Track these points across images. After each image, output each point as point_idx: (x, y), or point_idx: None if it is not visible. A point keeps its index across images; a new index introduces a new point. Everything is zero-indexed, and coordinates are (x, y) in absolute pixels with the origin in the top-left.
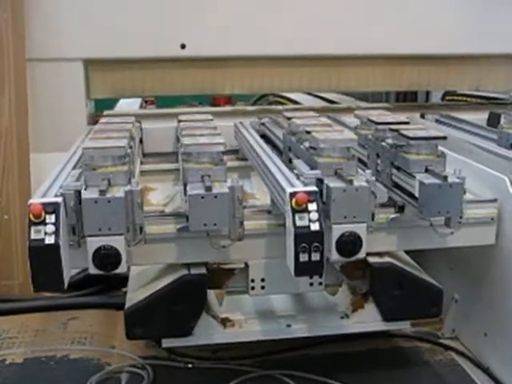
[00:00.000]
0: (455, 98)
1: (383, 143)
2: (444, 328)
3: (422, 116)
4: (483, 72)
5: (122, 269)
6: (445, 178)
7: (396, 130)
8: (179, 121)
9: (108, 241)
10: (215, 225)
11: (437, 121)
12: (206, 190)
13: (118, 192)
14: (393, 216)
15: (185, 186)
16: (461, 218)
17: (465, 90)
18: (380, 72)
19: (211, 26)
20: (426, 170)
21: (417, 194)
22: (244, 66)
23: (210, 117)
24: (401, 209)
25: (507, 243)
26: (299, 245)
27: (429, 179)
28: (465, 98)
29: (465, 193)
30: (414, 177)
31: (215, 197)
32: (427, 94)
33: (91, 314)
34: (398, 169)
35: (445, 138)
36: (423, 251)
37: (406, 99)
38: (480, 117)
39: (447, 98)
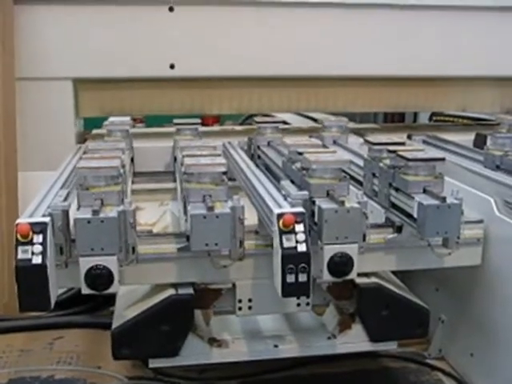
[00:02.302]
0: (442, 118)
1: (381, 164)
2: (431, 348)
3: (409, 137)
4: (469, 94)
5: (114, 289)
6: (443, 199)
7: (394, 151)
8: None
9: (100, 261)
10: (216, 245)
11: (424, 142)
12: (208, 210)
13: (111, 212)
14: (390, 236)
15: (185, 205)
16: (458, 238)
17: (452, 111)
18: (368, 93)
19: (200, 47)
20: (425, 191)
21: (415, 215)
22: (232, 87)
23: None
24: (399, 229)
25: (493, 264)
26: (286, 266)
27: (428, 200)
28: (452, 119)
29: (462, 214)
30: (413, 197)
31: (217, 217)
32: (415, 114)
33: (77, 333)
34: (397, 189)
35: (443, 159)
36: (410, 272)
37: (394, 119)
38: (467, 138)
39: (435, 118)
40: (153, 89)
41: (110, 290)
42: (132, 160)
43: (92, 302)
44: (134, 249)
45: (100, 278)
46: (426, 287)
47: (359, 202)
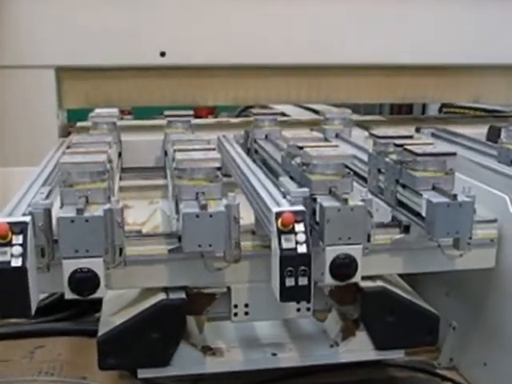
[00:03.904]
0: (453, 110)
1: (387, 159)
2: (441, 357)
3: (418, 130)
4: (482, 84)
5: (100, 293)
6: (454, 196)
7: (401, 145)
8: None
9: (85, 263)
10: (210, 246)
11: (433, 135)
12: (201, 208)
13: (97, 211)
14: (397, 237)
15: (176, 203)
16: (470, 238)
17: (463, 103)
18: (373, 83)
19: (193, 33)
20: (434, 188)
21: (424, 214)
22: (228, 76)
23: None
24: (406, 229)
25: (508, 266)
26: (285, 268)
27: (437, 198)
28: (463, 111)
29: (475, 212)
30: (421, 195)
31: (211, 216)
32: (423, 105)
33: (60, 341)
34: (404, 186)
35: (454, 154)
36: (418, 275)
37: (401, 111)
38: (479, 131)
39: (445, 110)
40: (142, 78)
41: (96, 295)
42: (119, 155)
43: (76, 308)
44: (121, 250)
45: (85, 281)
46: (435, 291)
47: (363, 200)
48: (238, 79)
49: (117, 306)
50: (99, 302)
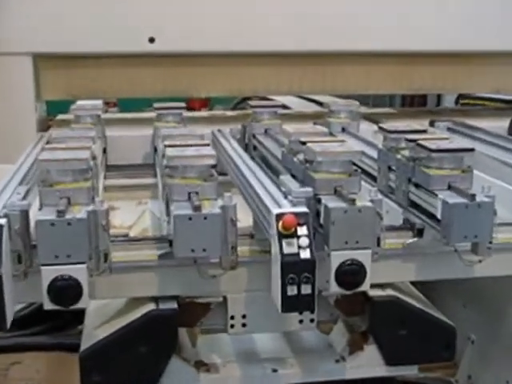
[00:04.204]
0: (471, 101)
1: (398, 156)
2: (458, 374)
3: (432, 123)
4: (504, 73)
5: (83, 303)
6: (472, 196)
7: (414, 141)
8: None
9: (67, 270)
10: (204, 251)
11: (449, 129)
12: (195, 209)
13: (80, 212)
14: (410, 241)
15: (167, 204)
16: (490, 243)
17: (483, 93)
18: (383, 72)
19: (185, 17)
20: (450, 188)
21: (439, 216)
22: (223, 64)
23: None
24: (419, 232)
25: None
26: (287, 275)
27: (454, 198)
28: (482, 102)
29: (495, 214)
30: (436, 195)
31: (205, 218)
32: (439, 96)
33: (38, 357)
34: (417, 185)
35: (472, 149)
36: (433, 283)
37: (414, 103)
38: (500, 124)
39: (462, 101)
40: (129, 67)
41: (79, 305)
42: (104, 151)
43: (56, 320)
44: (106, 256)
45: (66, 290)
46: (452, 301)
47: (372, 201)
48: (235, 68)
49: (101, 317)
50: (82, 313)
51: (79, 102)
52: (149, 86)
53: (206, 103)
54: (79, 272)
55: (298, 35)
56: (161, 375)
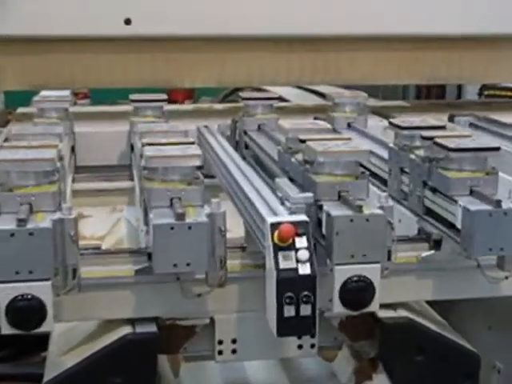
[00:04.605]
0: (497, 92)
1: (412, 156)
2: None
3: (451, 118)
4: None
5: (47, 326)
6: (497, 202)
7: (430, 138)
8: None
9: (28, 288)
10: (188, 265)
11: (471, 125)
12: (177, 217)
13: (44, 221)
14: (426, 254)
15: (145, 212)
16: None
17: (509, 84)
18: (395, 58)
19: None
20: (472, 192)
21: (459, 225)
22: (211, 50)
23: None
24: (436, 244)
25: None
26: (283, 294)
27: (476, 204)
28: (510, 94)
29: None
30: (456, 201)
31: (189, 227)
32: (459, 87)
33: None
34: (433, 190)
35: (497, 148)
36: (453, 303)
37: (430, 95)
38: None
39: (486, 92)
40: (102, 53)
41: (42, 329)
42: (73, 150)
43: (16, 347)
44: (75, 272)
45: (27, 312)
46: (474, 324)
47: (382, 208)
48: (224, 54)
49: (68, 342)
50: (46, 337)
51: (43, 93)
52: (125, 74)
53: (191, 95)
54: (43, 290)
55: (296, 16)
56: None
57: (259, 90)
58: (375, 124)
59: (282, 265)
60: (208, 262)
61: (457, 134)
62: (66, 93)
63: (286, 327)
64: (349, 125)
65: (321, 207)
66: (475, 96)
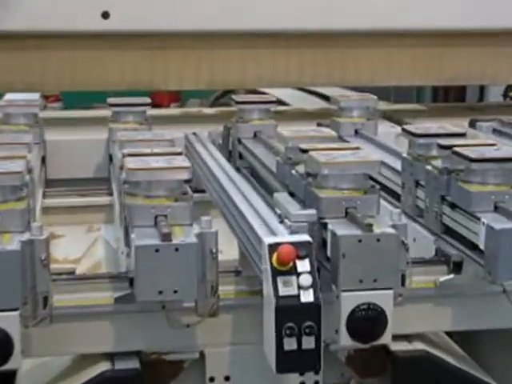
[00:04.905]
0: None
1: (429, 167)
2: None
3: (473, 123)
4: None
5: (14, 363)
6: None
7: (449, 147)
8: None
9: None
10: (176, 292)
11: (495, 131)
12: (163, 238)
13: (11, 243)
14: (445, 278)
15: (126, 231)
16: None
17: None
18: (409, 57)
19: None
20: (496, 209)
21: (482, 246)
22: (199, 48)
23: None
24: (456, 267)
25: None
26: (284, 325)
27: (501, 223)
28: None
29: None
30: (479, 218)
31: (176, 249)
32: (481, 88)
33: None
34: (453, 206)
35: None
36: (476, 333)
37: (449, 98)
38: None
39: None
40: (77, 50)
41: (8, 366)
42: (43, 161)
43: None
44: (46, 300)
45: None
46: (499, 358)
47: (395, 226)
48: (214, 52)
49: (38, 381)
50: (12, 375)
51: (9, 96)
52: (102, 75)
53: (177, 97)
54: (9, 322)
55: (297, 10)
56: None
57: (255, 92)
58: (386, 131)
59: (282, 291)
60: (198, 288)
61: (479, 142)
62: (35, 96)
63: (287, 362)
64: (356, 132)
65: (325, 226)
66: (500, 98)
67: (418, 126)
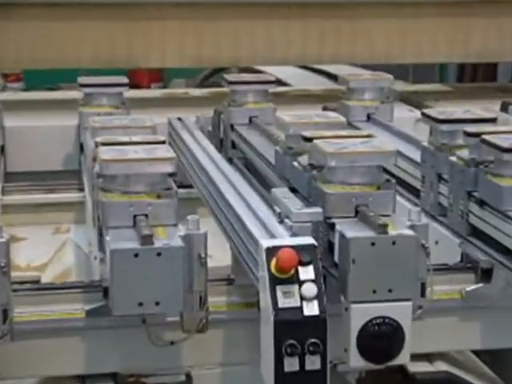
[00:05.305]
0: None
1: (453, 158)
2: None
3: (505, 107)
4: None
5: None
6: None
7: (477, 135)
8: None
9: None
10: (158, 304)
11: None
12: (143, 241)
13: None
14: (472, 288)
15: (100, 233)
16: None
17: None
18: (430, 29)
19: None
20: None
21: None
22: (185, 18)
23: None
24: (486, 274)
25: None
26: (284, 342)
27: None
28: None
29: None
30: (511, 218)
31: (158, 254)
32: None
33: None
34: (481, 203)
35: None
36: (505, 352)
37: (477, 77)
38: None
39: None
40: (41, 21)
41: None
42: (2, 151)
43: None
44: (6, 313)
45: None
46: None
47: (413, 227)
48: (203, 23)
49: None
50: None
51: None
52: (72, 50)
53: (159, 77)
54: None
55: None
56: None
57: (250, 70)
58: (404, 115)
59: (282, 303)
60: (184, 299)
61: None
62: None
63: None
64: (369, 117)
65: (332, 226)
66: None
67: (441, 109)
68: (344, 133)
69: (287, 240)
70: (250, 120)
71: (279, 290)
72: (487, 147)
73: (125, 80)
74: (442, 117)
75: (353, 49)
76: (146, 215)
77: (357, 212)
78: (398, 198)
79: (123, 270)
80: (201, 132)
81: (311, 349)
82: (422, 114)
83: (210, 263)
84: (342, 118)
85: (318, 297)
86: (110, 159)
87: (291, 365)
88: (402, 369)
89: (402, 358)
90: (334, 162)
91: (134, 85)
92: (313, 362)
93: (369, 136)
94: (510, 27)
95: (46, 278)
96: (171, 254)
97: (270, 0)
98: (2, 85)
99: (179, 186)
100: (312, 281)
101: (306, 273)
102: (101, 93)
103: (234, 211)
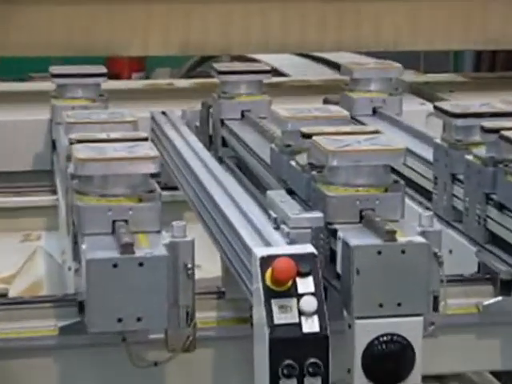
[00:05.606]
0: None
1: (469, 156)
2: None
3: None
4: None
5: None
6: None
7: (496, 131)
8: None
9: None
10: (139, 320)
11: None
12: (123, 250)
13: None
14: (490, 302)
15: (75, 241)
16: None
17: None
18: (444, 13)
19: None
20: None
21: None
22: (170, 1)
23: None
24: (506, 286)
25: None
26: (280, 362)
27: None
28: None
29: None
30: None
31: (140, 264)
32: None
33: None
34: (501, 207)
35: None
36: None
37: (496, 66)
38: None
39: None
40: (11, 4)
41: None
42: None
43: None
44: None
45: None
46: None
47: (425, 233)
48: (189, 7)
49: None
50: None
51: None
52: (45, 36)
53: (141, 66)
54: None
55: None
56: None
57: (242, 59)
58: (414, 109)
59: (278, 319)
60: (168, 315)
61: None
62: None
63: None
64: (375, 110)
65: (334, 233)
66: None
67: (456, 102)
68: (347, 128)
69: (284, 248)
70: (243, 114)
71: (275, 304)
72: (507, 144)
73: (102, 69)
74: (456, 110)
75: (357, 34)
76: (126, 221)
77: (361, 217)
78: (408, 201)
79: (101, 282)
80: (187, 128)
81: (311, 370)
82: (435, 107)
83: (198, 274)
84: (345, 112)
85: (319, 312)
86: (86, 158)
87: None
88: None
89: (412, 380)
90: (335, 161)
91: (112, 75)
92: None
93: (375, 132)
94: None
95: (14, 291)
96: (154, 263)
97: None
98: None
99: (163, 188)
100: (312, 294)
101: (305, 285)
102: (76, 84)
103: (225, 216)
